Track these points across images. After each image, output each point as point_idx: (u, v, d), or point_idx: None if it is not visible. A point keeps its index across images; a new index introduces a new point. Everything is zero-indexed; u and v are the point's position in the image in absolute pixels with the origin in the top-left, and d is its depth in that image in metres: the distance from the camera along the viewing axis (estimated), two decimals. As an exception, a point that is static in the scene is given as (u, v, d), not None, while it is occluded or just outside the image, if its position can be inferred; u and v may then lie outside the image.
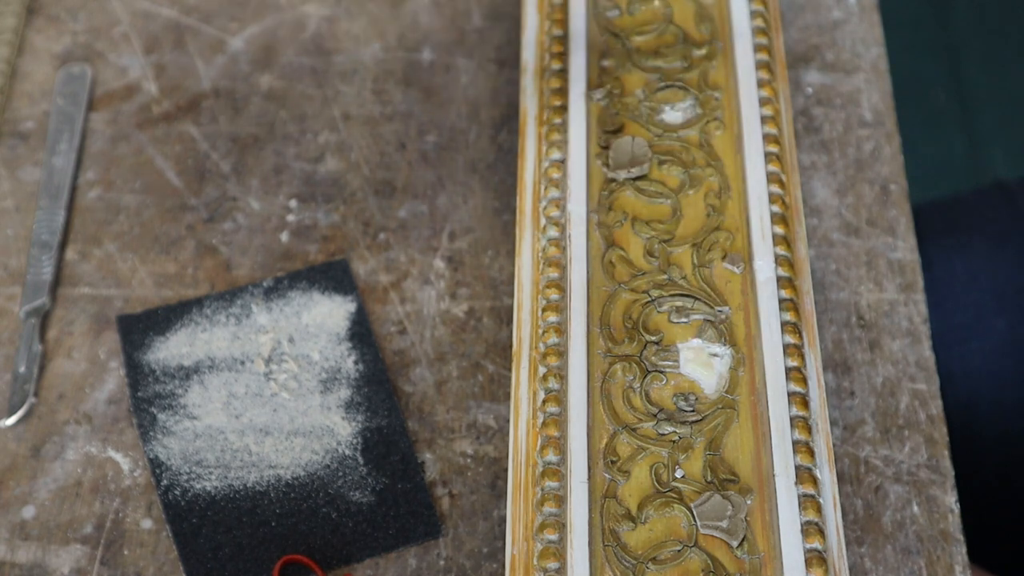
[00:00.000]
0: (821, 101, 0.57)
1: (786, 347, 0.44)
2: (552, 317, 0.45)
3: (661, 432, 0.42)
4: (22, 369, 0.51)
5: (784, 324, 0.44)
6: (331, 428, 0.49)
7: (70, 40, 0.61)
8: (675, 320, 0.44)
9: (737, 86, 0.50)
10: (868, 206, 0.54)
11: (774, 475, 0.41)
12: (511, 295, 0.52)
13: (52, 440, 0.50)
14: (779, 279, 0.45)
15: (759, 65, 0.50)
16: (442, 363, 0.51)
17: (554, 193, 0.48)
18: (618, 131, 0.49)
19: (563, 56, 0.51)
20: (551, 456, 0.42)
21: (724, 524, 0.40)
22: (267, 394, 0.50)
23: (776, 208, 0.47)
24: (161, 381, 0.50)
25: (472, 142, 0.57)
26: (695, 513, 0.40)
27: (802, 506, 0.40)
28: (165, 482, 0.48)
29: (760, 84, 0.50)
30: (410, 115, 0.58)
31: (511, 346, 0.49)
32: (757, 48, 0.51)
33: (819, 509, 0.40)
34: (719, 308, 0.44)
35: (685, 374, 0.43)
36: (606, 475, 0.41)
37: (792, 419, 0.42)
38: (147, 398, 0.50)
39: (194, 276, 0.53)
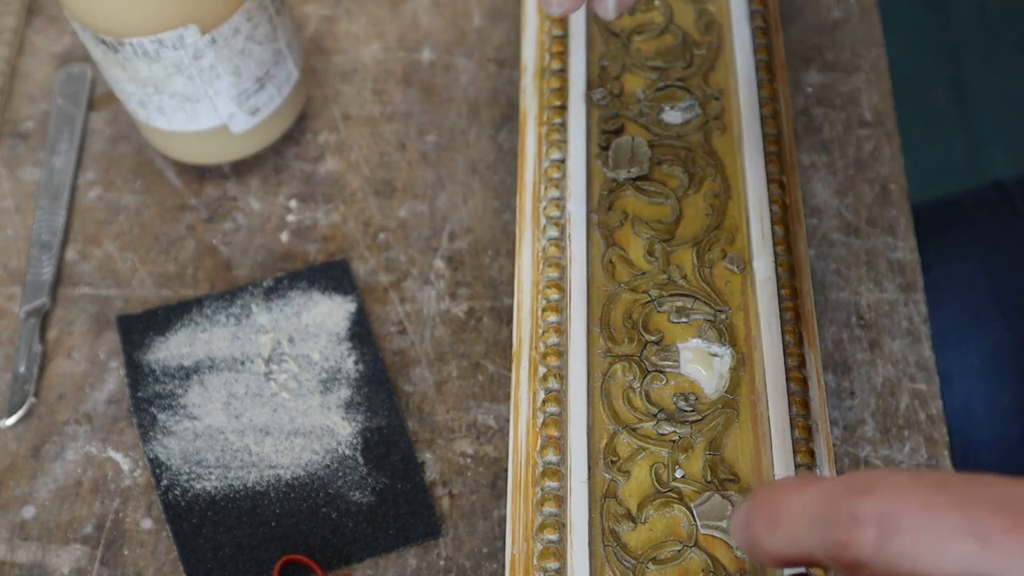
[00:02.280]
0: (821, 101, 0.57)
1: (786, 347, 0.44)
2: (552, 317, 0.45)
3: (661, 432, 0.42)
4: (22, 369, 0.51)
5: (784, 324, 0.44)
6: (331, 428, 0.49)
7: (70, 40, 0.61)
8: (675, 320, 0.44)
9: (737, 86, 0.50)
10: (868, 206, 0.54)
11: (774, 475, 0.41)
12: (511, 295, 0.52)
13: (52, 440, 0.50)
14: (779, 279, 0.45)
15: (759, 65, 0.50)
16: (442, 363, 0.51)
17: (554, 193, 0.48)
18: (618, 131, 0.49)
19: (563, 56, 0.51)
20: (551, 456, 0.42)
21: (724, 524, 0.40)
22: (267, 394, 0.50)
23: (776, 208, 0.47)
24: (161, 381, 0.50)
25: (472, 142, 0.57)
26: (695, 513, 0.40)
27: (802, 506, 0.40)
28: (165, 482, 0.48)
29: (760, 84, 0.50)
30: (410, 115, 0.58)
31: (511, 346, 0.50)
32: (757, 48, 0.51)
33: (819, 509, 0.40)
34: (719, 308, 0.44)
35: (685, 374, 0.43)
36: (606, 475, 0.41)
37: (792, 419, 0.42)
38: (147, 398, 0.50)
39: (194, 276, 0.53)
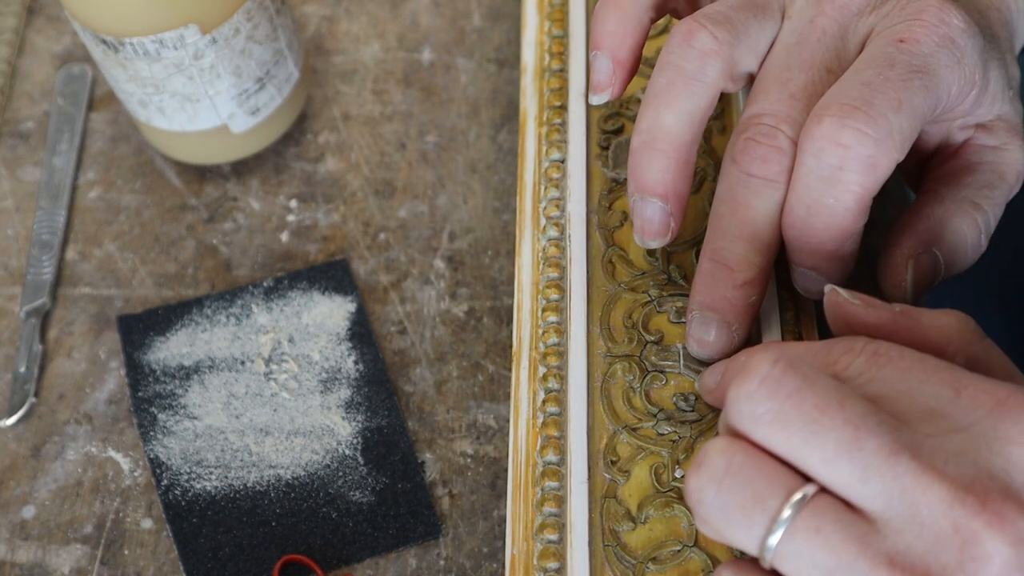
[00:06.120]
0: (821, 101, 0.57)
1: (786, 347, 0.44)
2: (552, 317, 0.45)
3: (661, 432, 0.42)
4: (22, 369, 0.51)
5: (784, 324, 0.44)
6: (331, 428, 0.49)
7: (70, 40, 0.61)
8: (675, 320, 0.44)
9: (737, 86, 0.50)
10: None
11: (774, 475, 0.41)
12: (511, 295, 0.52)
13: (52, 440, 0.50)
14: (778, 278, 0.45)
15: (759, 65, 0.50)
16: (442, 363, 0.51)
17: (554, 193, 0.48)
18: (618, 131, 0.49)
19: (563, 56, 0.51)
20: (551, 456, 0.42)
21: (724, 524, 0.40)
22: (267, 394, 0.50)
23: (776, 208, 0.47)
24: (161, 381, 0.50)
25: (472, 142, 0.57)
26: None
27: (802, 506, 0.40)
28: (165, 482, 0.48)
29: (760, 84, 0.50)
30: (410, 115, 0.58)
31: (511, 346, 0.50)
32: (757, 48, 0.51)
33: (819, 509, 0.40)
34: (719, 308, 0.44)
35: (685, 374, 0.43)
36: (606, 475, 0.41)
37: (792, 419, 0.42)
38: (147, 398, 0.50)
39: (194, 276, 0.53)
